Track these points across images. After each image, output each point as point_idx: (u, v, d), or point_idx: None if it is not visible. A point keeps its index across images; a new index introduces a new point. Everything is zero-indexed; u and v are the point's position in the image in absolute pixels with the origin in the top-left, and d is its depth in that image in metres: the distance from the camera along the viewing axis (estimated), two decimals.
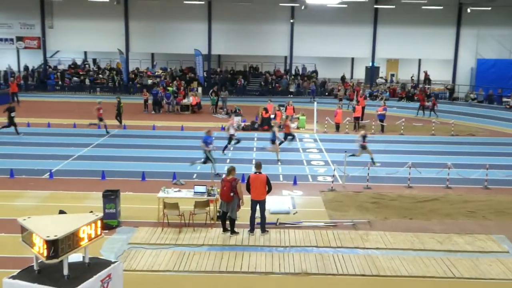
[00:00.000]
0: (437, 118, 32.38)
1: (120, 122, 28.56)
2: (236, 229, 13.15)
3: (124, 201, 14.27)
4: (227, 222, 13.18)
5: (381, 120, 28.89)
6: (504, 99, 37.12)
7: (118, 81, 43.83)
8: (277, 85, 43.07)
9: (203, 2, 41.66)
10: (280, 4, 41.52)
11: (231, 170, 13.12)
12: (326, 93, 42.25)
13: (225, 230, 13.22)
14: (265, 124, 28.34)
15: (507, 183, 18.44)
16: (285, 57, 45.89)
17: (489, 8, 39.90)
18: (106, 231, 12.60)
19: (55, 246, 6.86)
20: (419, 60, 47.77)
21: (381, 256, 12.11)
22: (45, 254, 6.91)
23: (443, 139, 27.22)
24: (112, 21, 43.08)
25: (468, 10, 40.49)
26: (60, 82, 43.70)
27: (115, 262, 7.88)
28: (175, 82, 39.76)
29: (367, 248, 12.52)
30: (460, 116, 33.83)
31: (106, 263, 7.76)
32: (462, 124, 31.29)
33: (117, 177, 18.27)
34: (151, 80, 42.91)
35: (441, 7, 40.23)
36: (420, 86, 42.90)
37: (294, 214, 14.89)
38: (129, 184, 17.30)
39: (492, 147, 25.61)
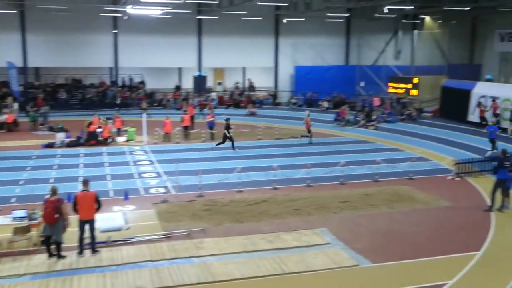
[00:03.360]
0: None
1: None
2: (63, 253, 12.29)
3: None
4: (52, 247, 12.27)
5: (211, 128, 29.45)
6: (319, 102, 40.65)
7: None
8: (103, 97, 41.48)
9: (15, 11, 38.52)
10: (101, 14, 40.02)
11: (55, 190, 12.28)
12: (155, 104, 41.87)
13: (51, 255, 12.28)
14: (91, 139, 27.07)
15: (326, 179, 19.99)
16: (111, 68, 44.47)
17: (303, 19, 43.14)
18: None
19: None
20: (244, 68, 49.78)
21: (216, 262, 12.27)
22: None
23: (269, 142, 28.65)
24: None
25: (284, 21, 43.30)
26: None
27: None
28: None
29: (202, 256, 12.59)
30: (283, 120, 36.00)
31: None
32: (285, 128, 33.28)
33: None
34: None
35: (260, 18, 42.39)
36: (246, 93, 44.75)
37: (126, 230, 14.39)
38: None
39: (313, 147, 27.59)
